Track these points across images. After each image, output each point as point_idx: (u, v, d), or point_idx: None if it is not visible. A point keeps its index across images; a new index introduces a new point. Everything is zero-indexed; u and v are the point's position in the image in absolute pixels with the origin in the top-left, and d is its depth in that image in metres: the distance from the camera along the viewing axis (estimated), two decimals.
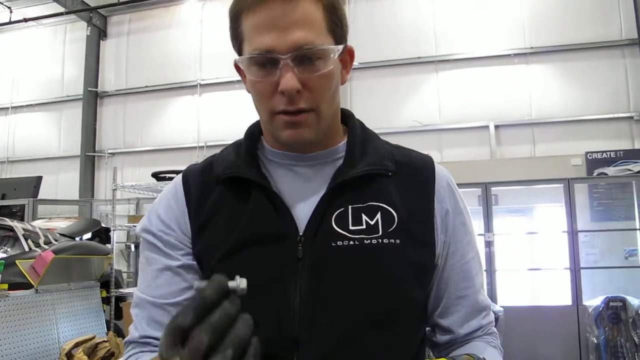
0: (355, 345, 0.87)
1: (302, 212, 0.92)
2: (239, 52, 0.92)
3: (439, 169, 1.01)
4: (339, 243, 0.89)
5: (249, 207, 0.93)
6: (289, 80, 0.85)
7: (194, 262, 0.95)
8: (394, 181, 0.95)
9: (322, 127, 0.92)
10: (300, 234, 0.91)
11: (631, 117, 7.36)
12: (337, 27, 0.91)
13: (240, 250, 0.91)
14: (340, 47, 0.91)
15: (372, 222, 0.91)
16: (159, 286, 0.94)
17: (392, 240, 0.90)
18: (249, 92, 0.95)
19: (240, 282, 0.61)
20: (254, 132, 1.04)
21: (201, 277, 0.95)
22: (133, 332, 0.94)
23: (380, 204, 0.92)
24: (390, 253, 0.90)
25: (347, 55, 0.97)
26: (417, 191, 0.96)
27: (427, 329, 1.02)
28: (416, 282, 0.93)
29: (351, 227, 0.90)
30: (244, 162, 0.96)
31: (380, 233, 0.90)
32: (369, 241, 0.90)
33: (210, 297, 0.59)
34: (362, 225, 0.91)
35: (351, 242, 0.89)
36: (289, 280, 0.89)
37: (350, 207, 0.92)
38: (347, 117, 1.05)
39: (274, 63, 0.86)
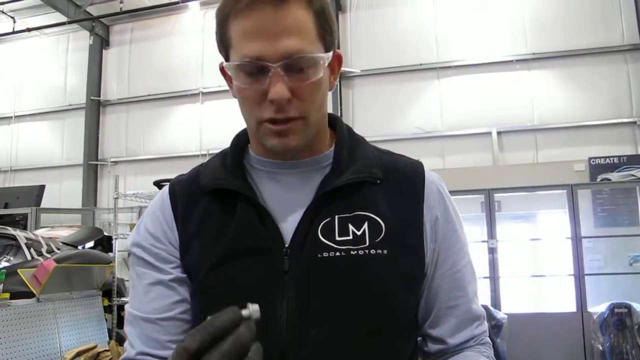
0: (344, 356, 0.86)
1: (289, 222, 0.91)
2: (226, 57, 0.90)
3: (429, 175, 0.99)
4: (325, 254, 0.88)
5: (235, 219, 0.92)
6: (279, 89, 0.83)
7: (185, 275, 0.94)
8: (382, 189, 0.94)
9: (309, 134, 0.91)
10: (286, 245, 0.89)
11: (634, 122, 7.35)
12: (327, 34, 0.89)
13: (226, 263, 0.90)
14: (330, 54, 0.89)
15: (359, 233, 0.89)
16: (151, 301, 0.93)
17: (380, 251, 0.88)
18: (235, 97, 0.93)
19: (252, 308, 0.61)
20: (239, 140, 1.02)
21: (191, 290, 0.95)
22: (129, 350, 0.93)
23: (368, 214, 0.91)
24: (377, 264, 0.88)
25: (335, 61, 0.95)
26: (405, 198, 0.94)
27: (419, 338, 1.00)
28: (405, 292, 0.91)
29: (337, 238, 0.89)
30: (230, 173, 0.95)
31: (367, 243, 0.89)
32: (355, 252, 0.88)
33: (222, 324, 0.58)
34: (348, 235, 0.89)
35: (337, 253, 0.88)
36: (276, 293, 0.88)
37: (337, 217, 0.90)
38: (334, 122, 1.03)
39: (263, 71, 0.84)
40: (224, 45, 0.90)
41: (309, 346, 0.86)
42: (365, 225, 0.90)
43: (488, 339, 1.01)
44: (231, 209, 0.93)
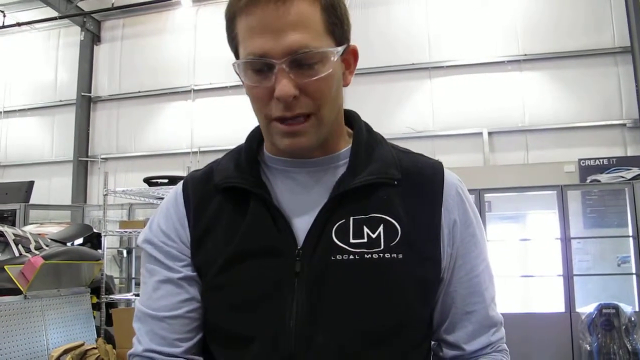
0: None
1: (302, 223, 0.89)
2: (236, 54, 0.89)
3: (449, 177, 0.96)
4: (339, 257, 0.86)
5: (247, 219, 0.90)
6: (284, 86, 0.81)
7: (195, 274, 0.94)
8: (399, 190, 0.91)
9: (323, 132, 0.89)
10: (299, 247, 0.88)
11: (624, 125, 7.39)
12: (337, 27, 0.86)
13: (237, 264, 0.89)
14: (341, 48, 0.86)
15: (373, 236, 0.87)
16: (160, 298, 0.93)
17: (395, 255, 0.86)
18: (248, 95, 0.91)
19: None
20: (254, 137, 0.99)
21: (201, 289, 0.94)
22: (137, 346, 0.93)
23: (383, 216, 0.88)
24: (392, 268, 0.86)
25: (351, 55, 0.93)
26: (423, 201, 0.92)
27: (433, 343, 0.99)
28: (419, 298, 0.89)
29: (352, 240, 0.87)
30: (243, 171, 0.93)
31: (382, 247, 0.86)
32: (369, 256, 0.86)
33: None
34: (363, 238, 0.87)
35: (351, 257, 0.86)
36: (286, 295, 0.86)
37: (352, 218, 0.88)
38: (352, 119, 1.00)
39: (269, 68, 0.82)
40: (233, 43, 0.88)
41: (317, 351, 0.84)
42: (381, 228, 0.88)
43: (505, 345, 0.98)
44: (243, 208, 0.91)
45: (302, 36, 0.81)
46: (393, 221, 0.88)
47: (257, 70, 0.84)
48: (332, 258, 0.86)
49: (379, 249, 0.86)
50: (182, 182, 1.01)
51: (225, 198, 0.94)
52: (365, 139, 0.96)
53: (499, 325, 0.97)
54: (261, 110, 0.87)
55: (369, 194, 0.90)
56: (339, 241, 0.87)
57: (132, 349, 0.94)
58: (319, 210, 0.89)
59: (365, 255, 0.86)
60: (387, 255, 0.86)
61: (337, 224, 0.88)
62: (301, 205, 0.91)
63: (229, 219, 0.92)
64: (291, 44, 0.80)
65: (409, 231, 0.88)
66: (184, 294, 0.92)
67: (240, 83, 0.92)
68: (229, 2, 0.86)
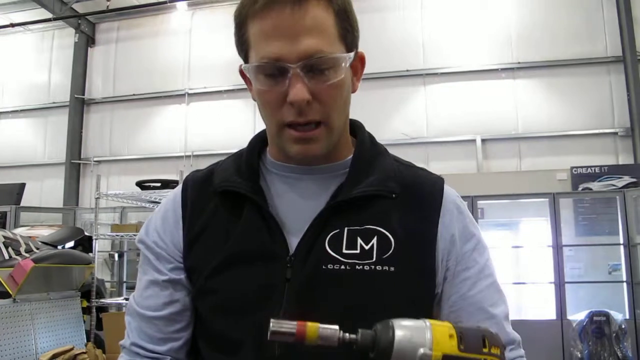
0: None
1: (296, 230, 0.89)
2: (245, 58, 0.89)
3: (448, 192, 0.96)
4: (330, 266, 0.86)
5: (241, 224, 0.90)
6: (299, 90, 0.81)
7: (182, 277, 0.94)
8: (397, 204, 0.90)
9: (333, 139, 0.90)
10: (291, 253, 0.87)
11: (615, 133, 7.45)
12: (349, 34, 0.87)
13: (227, 268, 0.89)
14: (352, 54, 0.87)
15: (366, 247, 0.87)
16: (147, 297, 0.95)
17: (386, 267, 0.85)
18: (254, 100, 0.91)
19: None
20: (257, 141, 1.00)
21: (189, 292, 0.95)
22: (126, 338, 0.96)
23: (378, 228, 0.88)
24: (382, 281, 0.85)
25: (358, 62, 0.93)
26: (420, 215, 0.91)
27: None
28: (409, 312, 0.86)
29: (344, 251, 0.86)
30: (242, 175, 0.94)
31: (374, 259, 0.86)
32: (361, 267, 0.85)
33: None
34: (356, 249, 0.86)
35: (342, 267, 0.85)
36: (274, 301, 0.86)
37: (346, 229, 0.88)
38: (356, 129, 1.01)
39: (282, 72, 0.82)
40: (243, 47, 0.88)
41: (302, 358, 0.83)
42: (374, 240, 0.87)
43: None
44: (239, 212, 0.92)
45: (317, 41, 0.81)
46: (387, 233, 0.88)
47: (269, 74, 0.84)
48: (324, 267, 0.86)
49: (371, 261, 0.86)
50: (183, 181, 1.02)
51: (221, 201, 0.94)
52: (368, 149, 0.97)
53: (515, 344, 0.93)
54: (272, 116, 0.87)
55: (366, 205, 0.90)
56: (332, 251, 0.87)
57: (123, 339, 0.97)
58: (314, 218, 0.88)
59: (357, 267, 0.86)
60: (378, 267, 0.86)
61: (331, 234, 0.88)
62: (297, 211, 0.91)
63: (224, 223, 0.92)
64: (307, 49, 0.81)
65: (403, 245, 0.88)
66: (169, 296, 0.94)
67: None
68: (240, 5, 0.86)
